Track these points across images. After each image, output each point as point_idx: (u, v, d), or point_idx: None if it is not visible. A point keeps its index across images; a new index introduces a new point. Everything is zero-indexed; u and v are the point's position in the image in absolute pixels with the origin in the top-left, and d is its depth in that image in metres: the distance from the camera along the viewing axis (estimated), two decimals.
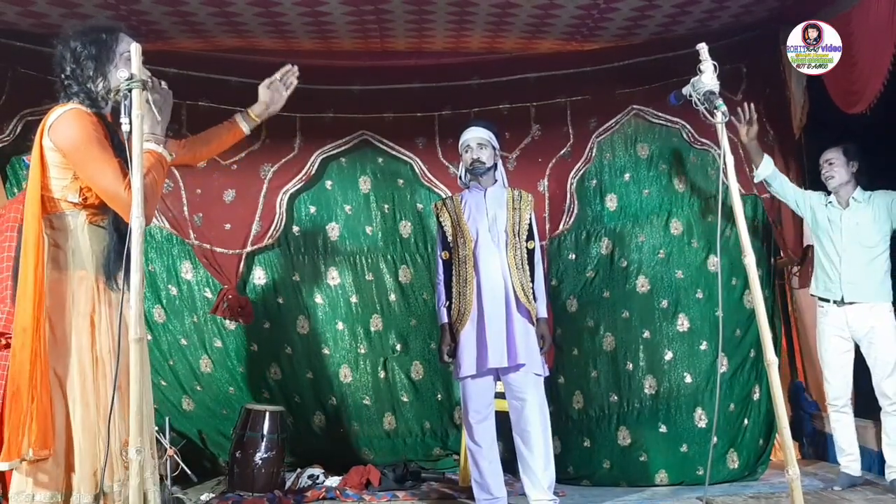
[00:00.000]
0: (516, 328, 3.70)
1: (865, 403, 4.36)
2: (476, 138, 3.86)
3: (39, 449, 2.16)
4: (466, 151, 3.87)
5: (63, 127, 2.27)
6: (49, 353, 2.23)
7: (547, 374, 3.81)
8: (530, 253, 3.84)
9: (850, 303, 4.10)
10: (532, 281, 3.80)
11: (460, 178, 3.99)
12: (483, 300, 3.73)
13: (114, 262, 2.29)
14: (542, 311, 3.83)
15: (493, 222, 3.82)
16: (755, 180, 4.44)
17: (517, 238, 3.81)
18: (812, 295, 4.35)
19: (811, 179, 4.82)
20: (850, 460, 4.16)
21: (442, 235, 3.92)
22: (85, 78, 2.36)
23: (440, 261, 3.91)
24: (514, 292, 3.73)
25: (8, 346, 2.42)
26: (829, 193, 4.29)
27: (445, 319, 3.84)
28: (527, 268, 3.80)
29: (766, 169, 4.33)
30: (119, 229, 2.28)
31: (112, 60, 2.37)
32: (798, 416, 4.89)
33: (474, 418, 3.75)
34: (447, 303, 3.84)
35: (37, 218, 2.25)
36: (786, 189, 4.38)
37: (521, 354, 3.67)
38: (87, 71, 2.37)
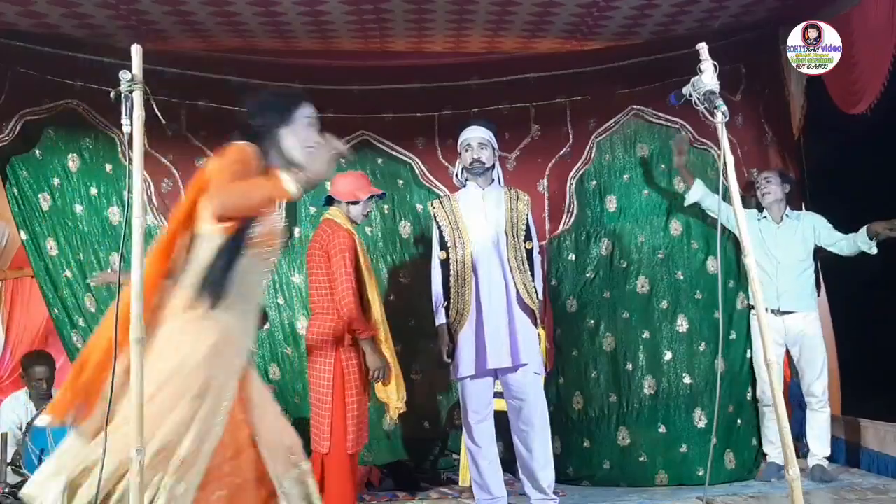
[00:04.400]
0: (518, 328, 3.69)
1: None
2: (477, 138, 3.84)
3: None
4: (467, 150, 3.85)
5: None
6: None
7: (545, 372, 3.80)
8: (528, 253, 3.82)
9: (786, 312, 4.35)
10: (533, 280, 3.80)
11: (456, 175, 3.97)
12: (482, 301, 3.72)
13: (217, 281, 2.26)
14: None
15: (491, 222, 3.80)
16: (686, 203, 4.60)
17: (516, 238, 3.79)
18: (748, 305, 4.49)
19: (812, 179, 4.83)
20: (779, 452, 4.25)
21: (439, 235, 3.89)
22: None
23: (437, 261, 3.89)
24: (518, 292, 3.72)
25: None
26: (760, 210, 4.49)
27: (443, 320, 3.82)
28: (527, 267, 3.79)
29: (697, 193, 4.52)
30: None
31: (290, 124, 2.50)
32: (797, 416, 4.89)
33: (473, 419, 3.74)
34: (445, 303, 3.82)
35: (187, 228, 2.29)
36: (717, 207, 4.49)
37: (523, 354, 3.66)
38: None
